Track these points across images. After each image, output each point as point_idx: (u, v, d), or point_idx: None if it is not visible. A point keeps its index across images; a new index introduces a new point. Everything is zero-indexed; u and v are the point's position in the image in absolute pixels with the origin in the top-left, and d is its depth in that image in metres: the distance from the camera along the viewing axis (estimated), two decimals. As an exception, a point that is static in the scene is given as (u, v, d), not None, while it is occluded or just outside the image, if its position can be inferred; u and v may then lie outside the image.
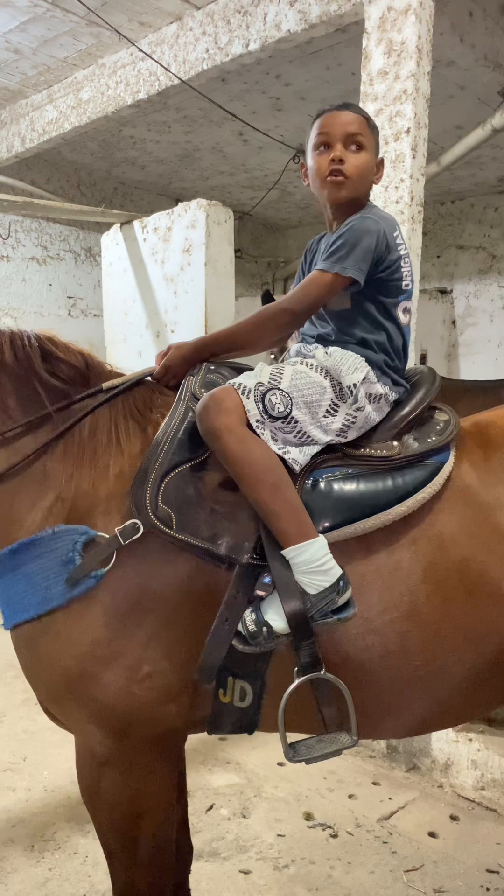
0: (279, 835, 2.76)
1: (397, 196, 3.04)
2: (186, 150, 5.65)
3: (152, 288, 4.13)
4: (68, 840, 2.70)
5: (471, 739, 3.05)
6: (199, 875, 2.39)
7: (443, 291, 6.87)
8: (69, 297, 6.21)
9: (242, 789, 3.08)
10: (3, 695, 4.00)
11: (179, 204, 4.03)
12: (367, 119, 1.69)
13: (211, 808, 2.93)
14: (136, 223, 4.28)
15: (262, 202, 6.69)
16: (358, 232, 1.59)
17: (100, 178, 6.37)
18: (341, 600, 1.40)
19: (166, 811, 1.60)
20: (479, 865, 2.59)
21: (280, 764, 3.27)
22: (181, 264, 3.95)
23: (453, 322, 6.83)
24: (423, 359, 6.28)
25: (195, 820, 2.79)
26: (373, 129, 1.70)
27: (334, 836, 2.76)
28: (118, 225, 4.41)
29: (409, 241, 3.07)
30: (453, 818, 2.90)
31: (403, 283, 1.67)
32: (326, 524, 1.48)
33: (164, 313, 4.09)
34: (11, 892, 2.41)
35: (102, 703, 1.48)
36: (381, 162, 1.75)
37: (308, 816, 2.89)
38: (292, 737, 1.53)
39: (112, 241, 4.45)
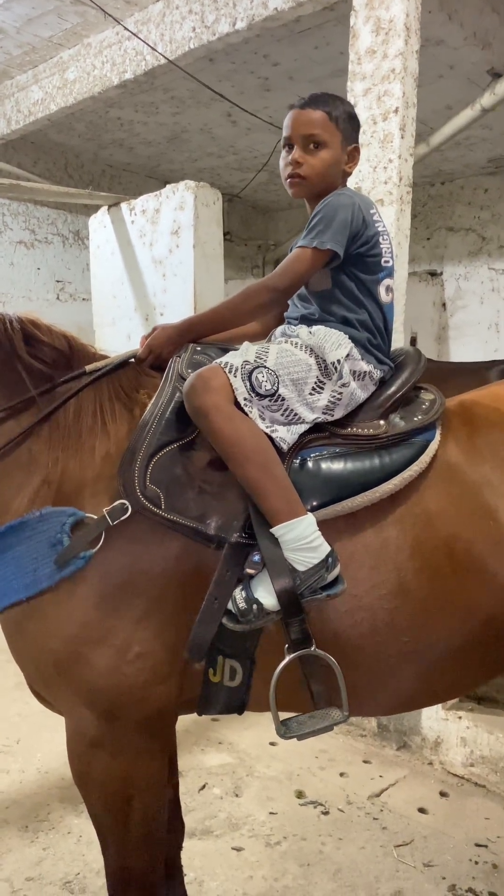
0: (271, 813, 2.79)
1: (386, 177, 3.02)
2: (174, 132, 5.60)
3: (140, 270, 4.11)
4: (62, 820, 2.73)
5: (460, 717, 3.08)
6: (192, 852, 2.42)
7: (433, 274, 6.85)
8: (58, 281, 6.17)
9: (234, 769, 3.11)
10: (-5, 679, 4.01)
11: (167, 186, 4.00)
12: (331, 112, 1.67)
13: (203, 787, 2.96)
14: (123, 205, 4.24)
15: (252, 184, 6.64)
16: (333, 207, 1.61)
17: (87, 161, 6.32)
18: (330, 577, 1.41)
19: (158, 792, 1.61)
20: (468, 840, 2.63)
21: (272, 744, 3.30)
22: (169, 246, 3.93)
23: (443, 305, 6.82)
24: (413, 341, 6.28)
25: (188, 799, 2.82)
26: (340, 120, 1.68)
27: (325, 813, 2.80)
28: (106, 207, 4.38)
29: (398, 222, 3.06)
30: (443, 794, 2.94)
31: (383, 259, 1.68)
32: (314, 503, 1.49)
33: (153, 296, 4.07)
34: (6, 872, 2.43)
35: (92, 684, 1.49)
36: (356, 150, 1.74)
37: (300, 794, 2.92)
38: (283, 715, 1.55)
39: (100, 224, 4.42)
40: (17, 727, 3.46)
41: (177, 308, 3.89)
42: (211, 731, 3.41)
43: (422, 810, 2.83)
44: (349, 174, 1.76)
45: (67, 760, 1.60)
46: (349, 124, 1.71)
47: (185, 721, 1.72)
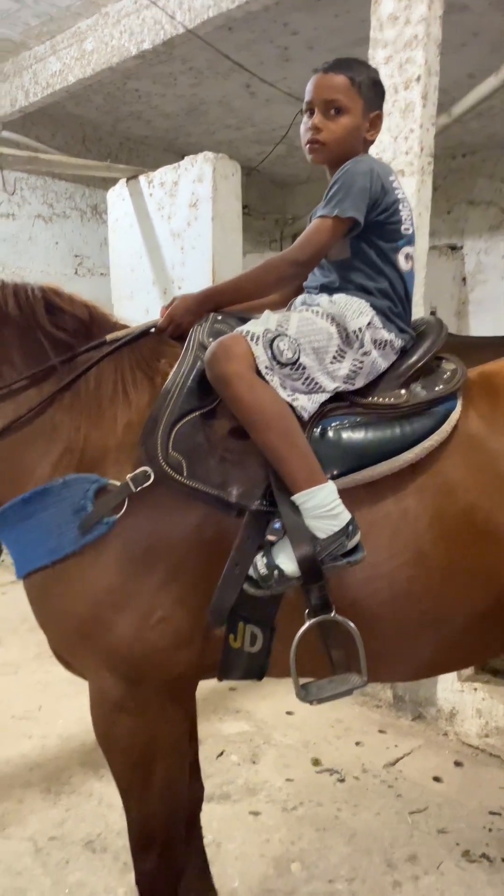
0: (288, 779, 2.84)
1: (407, 147, 2.99)
2: (192, 104, 5.55)
3: (159, 244, 4.10)
4: (83, 784, 2.79)
5: (476, 689, 3.11)
6: (211, 816, 2.47)
7: (453, 248, 6.77)
8: (76, 256, 6.16)
9: (252, 737, 3.16)
10: (17, 647, 4.10)
11: (186, 158, 3.98)
12: (354, 78, 1.65)
13: (221, 754, 3.01)
14: (142, 178, 4.23)
15: (270, 157, 6.58)
16: (352, 174, 1.59)
17: (105, 134, 6.28)
18: (350, 544, 1.43)
19: (179, 753, 1.65)
20: (482, 808, 2.67)
21: (288, 713, 3.35)
22: (188, 219, 3.91)
23: (463, 279, 6.75)
24: (432, 315, 6.22)
25: (206, 766, 2.86)
26: (363, 86, 1.66)
27: (341, 780, 2.84)
28: (124, 180, 4.36)
29: (419, 193, 3.03)
30: (457, 764, 2.97)
31: (403, 226, 1.67)
32: (335, 471, 1.49)
33: (171, 269, 4.06)
34: (30, 831, 2.50)
35: (115, 648, 1.52)
36: (378, 117, 1.71)
37: (316, 762, 2.97)
38: (303, 681, 1.57)
39: (118, 197, 4.40)
40: (39, 695, 3.53)
41: (195, 281, 3.88)
42: (228, 701, 3.46)
43: (436, 779, 2.86)
44: (371, 142, 1.74)
45: (88, 727, 1.63)
46: (372, 91, 1.69)
47: (202, 690, 1.75)
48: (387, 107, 2.94)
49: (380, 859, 2.39)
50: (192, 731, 1.93)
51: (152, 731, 1.57)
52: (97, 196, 6.19)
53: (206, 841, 2.15)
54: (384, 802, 2.71)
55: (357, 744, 3.12)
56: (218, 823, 2.53)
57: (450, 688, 3.18)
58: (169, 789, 1.63)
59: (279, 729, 3.23)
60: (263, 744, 3.11)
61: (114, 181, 4.54)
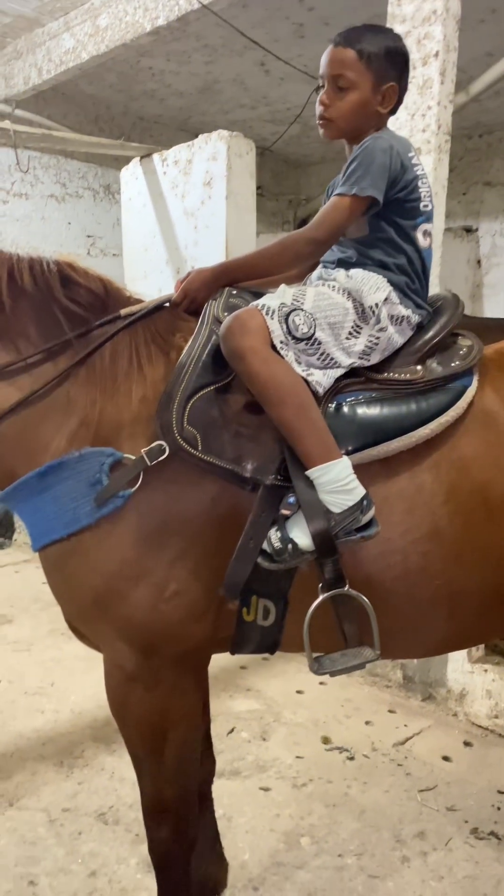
0: (298, 757, 2.87)
1: (424, 124, 2.95)
2: (206, 82, 5.49)
3: (172, 223, 4.08)
4: (95, 758, 2.82)
5: (486, 670, 3.12)
6: (221, 791, 2.49)
7: (468, 230, 6.70)
8: (88, 236, 6.15)
9: (262, 715, 3.19)
10: (30, 626, 4.14)
11: (200, 136, 3.95)
12: (363, 50, 1.60)
13: (232, 731, 3.04)
14: (155, 156, 4.20)
15: (284, 137, 6.51)
16: (371, 151, 1.57)
17: (118, 113, 6.23)
18: (365, 519, 1.43)
19: (192, 725, 1.67)
20: (491, 787, 2.68)
21: (299, 692, 3.37)
22: (202, 198, 3.89)
23: (478, 262, 6.68)
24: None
25: (216, 742, 2.86)
26: (373, 58, 1.61)
27: (351, 758, 2.86)
28: (138, 158, 4.34)
29: (436, 171, 3.00)
30: (467, 744, 2.99)
31: (422, 203, 1.65)
32: (350, 447, 1.49)
33: (185, 249, 4.05)
34: (44, 803, 2.54)
35: (130, 620, 1.53)
36: (391, 89, 1.66)
37: (325, 740, 2.99)
38: (316, 655, 1.58)
39: (132, 176, 4.38)
40: (52, 671, 3.57)
41: (208, 261, 3.83)
42: (239, 679, 3.49)
43: (446, 758, 2.88)
44: (385, 115, 1.70)
45: (100, 702, 1.65)
46: (385, 62, 1.63)
47: (213, 668, 1.76)
48: (404, 83, 2.92)
49: (389, 835, 2.41)
50: (204, 705, 1.95)
51: (166, 702, 1.59)
52: (110, 176, 6.16)
53: (216, 815, 2.18)
54: (393, 780, 2.73)
55: (367, 723, 3.14)
56: (228, 798, 2.56)
57: (460, 669, 3.19)
58: (182, 760, 1.65)
59: (289, 707, 3.25)
60: (273, 722, 3.13)
61: (127, 160, 4.51)
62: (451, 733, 3.07)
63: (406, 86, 1.71)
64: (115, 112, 6.20)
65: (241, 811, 2.52)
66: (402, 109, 2.92)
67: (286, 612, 1.56)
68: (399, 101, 1.70)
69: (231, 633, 1.61)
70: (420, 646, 1.72)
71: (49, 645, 3.87)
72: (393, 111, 1.71)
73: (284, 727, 3.09)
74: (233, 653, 1.66)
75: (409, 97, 2.93)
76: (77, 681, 3.42)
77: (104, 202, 6.24)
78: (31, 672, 3.57)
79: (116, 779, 2.67)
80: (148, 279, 4.32)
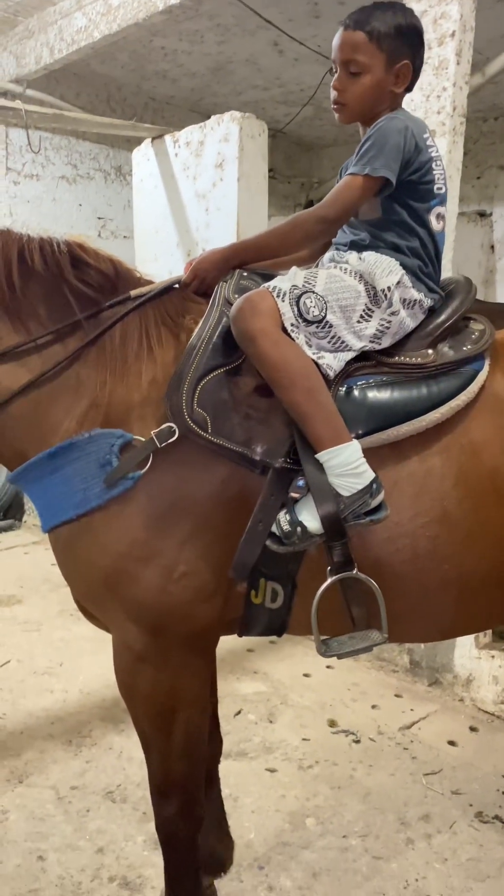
0: (304, 739, 2.88)
1: (439, 106, 2.92)
2: (219, 63, 5.44)
3: (184, 205, 4.06)
4: (104, 737, 2.85)
5: (493, 656, 3.12)
6: (228, 772, 2.51)
7: (482, 214, 6.63)
8: (99, 218, 6.12)
9: (269, 697, 3.21)
10: (39, 606, 4.17)
11: (212, 117, 3.91)
12: (373, 31, 1.57)
13: (239, 713, 3.06)
14: (167, 138, 4.17)
15: (297, 119, 6.45)
16: (385, 132, 1.55)
17: (130, 93, 6.19)
18: (374, 502, 1.43)
19: (200, 706, 1.68)
20: (496, 771, 2.69)
21: (305, 675, 3.39)
22: (213, 180, 3.87)
23: (492, 247, 6.61)
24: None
25: (223, 724, 2.89)
26: (384, 38, 1.58)
27: (357, 741, 2.88)
28: (149, 140, 4.31)
29: (450, 154, 2.97)
30: (473, 729, 3.00)
31: (435, 186, 1.63)
32: (360, 430, 1.49)
33: (196, 231, 4.03)
34: (52, 780, 2.57)
35: (139, 601, 1.54)
36: (405, 67, 1.63)
37: (332, 723, 3.00)
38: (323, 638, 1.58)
39: (143, 157, 4.36)
40: (61, 651, 3.60)
41: (219, 243, 3.81)
42: (246, 662, 3.51)
43: (451, 743, 2.89)
44: (400, 94, 1.68)
45: (109, 683, 1.66)
46: (398, 40, 1.60)
47: (220, 650, 1.77)
48: (419, 64, 2.88)
49: (393, 817, 2.43)
50: (212, 686, 1.96)
51: (174, 681, 1.60)
52: (121, 157, 6.13)
53: (223, 794, 2.20)
54: (399, 764, 2.74)
55: (373, 707, 3.15)
56: (235, 779, 2.58)
57: (467, 654, 3.20)
58: (189, 739, 1.66)
59: (296, 690, 3.27)
60: (280, 704, 3.15)
61: (138, 142, 4.48)
62: (458, 718, 3.08)
63: (422, 62, 1.68)
64: (126, 92, 6.16)
65: (247, 791, 2.54)
66: (416, 90, 2.89)
67: (294, 594, 1.57)
68: (415, 78, 1.68)
69: (239, 615, 1.61)
70: (427, 630, 1.72)
71: (58, 626, 3.90)
72: (408, 89, 1.69)
73: (291, 710, 3.11)
74: (240, 635, 1.67)
75: (425, 78, 2.89)
76: (86, 661, 3.45)
77: (115, 184, 6.21)
78: (41, 652, 3.60)
79: (124, 758, 2.70)
80: (158, 262, 4.30)
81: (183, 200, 4.09)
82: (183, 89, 6.10)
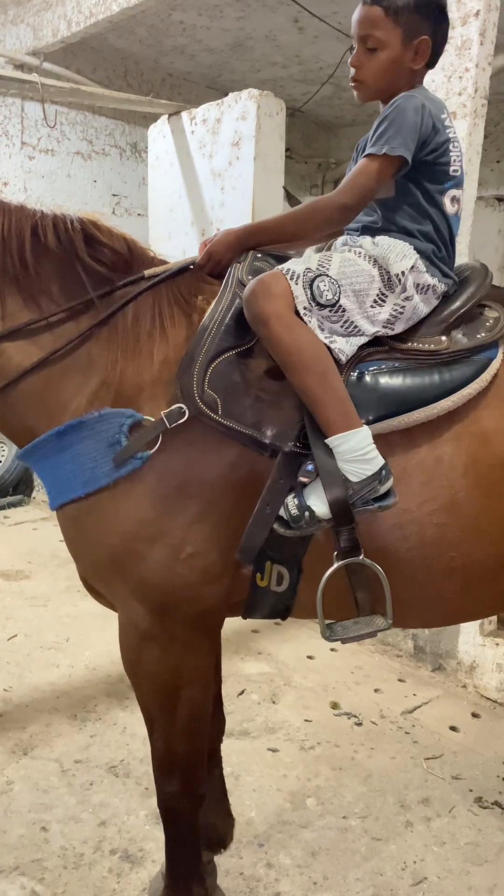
0: (306, 720, 2.91)
1: (460, 87, 2.88)
2: (238, 39, 5.37)
3: (199, 183, 4.02)
4: (108, 713, 2.88)
5: (497, 644, 3.13)
6: (230, 751, 2.54)
7: (500, 199, 6.54)
8: (114, 195, 6.09)
9: (272, 678, 3.23)
10: (47, 582, 4.20)
11: (230, 94, 3.87)
12: (390, 6, 1.54)
13: (242, 693, 3.08)
14: (184, 114, 4.13)
15: (315, 98, 6.37)
16: (402, 110, 1.53)
17: (147, 69, 6.12)
18: (383, 489, 1.42)
19: (204, 685, 1.69)
20: (497, 758, 2.71)
21: (309, 657, 3.41)
22: (229, 158, 3.83)
23: (509, 232, 6.53)
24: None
25: (227, 703, 2.92)
26: (401, 13, 1.55)
27: (359, 724, 2.90)
28: (166, 116, 4.27)
29: (471, 137, 2.93)
30: (475, 715, 3.01)
31: (451, 168, 1.61)
32: (370, 416, 1.48)
33: (211, 210, 4.00)
34: (56, 753, 2.60)
35: (146, 580, 1.54)
36: (423, 42, 1.59)
37: (334, 705, 3.03)
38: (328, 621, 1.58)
39: (159, 134, 4.32)
40: (68, 627, 3.63)
41: (234, 223, 3.78)
42: (251, 642, 3.53)
43: (453, 728, 2.91)
44: (420, 70, 1.64)
45: (114, 659, 1.67)
46: (416, 15, 1.57)
47: (225, 630, 1.78)
48: (441, 43, 2.83)
49: (393, 800, 2.45)
50: (216, 666, 1.98)
51: (178, 661, 1.61)
52: (137, 133, 6.08)
53: (225, 773, 2.22)
54: (400, 747, 2.76)
55: (376, 690, 3.17)
56: (237, 757, 2.60)
57: (471, 641, 3.20)
58: (193, 718, 1.68)
59: (300, 672, 3.29)
60: (284, 685, 3.17)
61: (154, 118, 4.44)
62: (460, 704, 3.10)
63: (444, 38, 1.65)
64: (144, 67, 6.09)
65: (248, 770, 2.57)
66: (438, 71, 2.86)
67: (300, 578, 1.57)
68: (436, 55, 1.64)
69: (244, 597, 1.62)
70: (432, 616, 1.72)
71: (66, 601, 3.93)
72: (430, 65, 1.66)
73: (294, 691, 3.13)
74: (245, 617, 1.68)
75: (447, 58, 2.85)
76: (92, 637, 3.48)
77: (131, 160, 6.17)
78: (48, 627, 3.64)
79: (128, 734, 2.73)
80: (172, 240, 4.28)
81: (198, 179, 4.06)
82: (201, 65, 6.03)
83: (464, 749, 2.76)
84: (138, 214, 6.00)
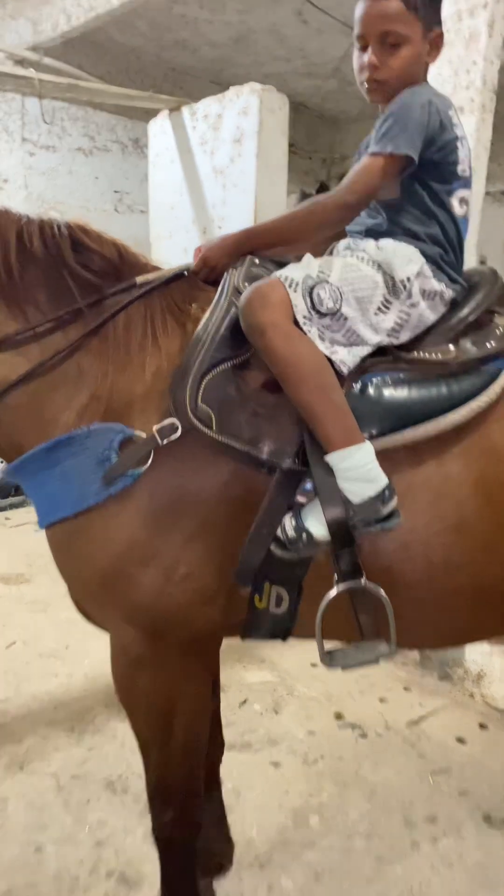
0: (309, 732, 2.84)
1: (468, 81, 2.79)
2: (241, 32, 5.28)
3: (200, 180, 3.94)
4: (107, 724, 2.82)
5: (506, 653, 3.05)
6: (231, 764, 2.47)
7: (508, 194, 6.45)
8: (115, 192, 6.02)
9: (275, 687, 3.16)
10: (46, 586, 4.14)
11: (231, 88, 3.78)
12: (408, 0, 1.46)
13: (244, 702, 3.01)
14: (185, 110, 4.05)
15: (320, 92, 6.28)
16: (408, 106, 1.45)
17: (149, 63, 6.03)
18: (386, 510, 1.35)
19: (200, 711, 1.62)
20: (505, 772, 2.64)
21: (313, 665, 3.33)
22: (231, 155, 3.75)
23: (517, 228, 6.44)
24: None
25: (228, 713, 2.88)
26: (419, 4, 1.47)
27: (363, 736, 2.83)
28: (166, 112, 4.18)
29: (478, 132, 2.84)
30: (482, 726, 2.93)
31: (459, 167, 1.53)
32: (374, 431, 1.41)
33: (212, 208, 3.91)
34: (53, 768, 2.54)
35: (138, 603, 1.47)
36: (439, 36, 1.53)
37: (338, 716, 2.96)
38: (328, 646, 1.51)
39: (160, 130, 4.24)
40: (67, 633, 3.57)
41: (236, 221, 3.74)
42: (253, 649, 3.46)
43: (460, 740, 2.83)
44: (431, 63, 1.57)
45: (113, 674, 1.62)
46: (430, 5, 1.50)
47: (227, 638, 1.71)
48: (449, 36, 2.75)
49: (399, 818, 2.38)
50: (214, 687, 1.91)
51: (173, 687, 1.55)
52: (138, 129, 6.00)
53: (225, 788, 2.16)
54: (406, 761, 2.69)
55: (381, 700, 3.10)
56: (238, 772, 2.53)
57: (479, 650, 3.13)
58: (189, 746, 1.61)
59: (303, 680, 3.22)
60: (286, 694, 3.11)
61: (156, 113, 4.36)
62: (467, 714, 3.02)
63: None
64: (145, 62, 6.00)
65: (250, 786, 2.50)
66: (445, 64, 2.78)
67: (300, 599, 1.50)
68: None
69: (242, 618, 1.55)
70: (437, 637, 1.65)
71: (65, 606, 3.78)
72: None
73: (297, 700, 3.07)
74: (243, 638, 1.61)
75: (454, 51, 2.76)
76: (92, 644, 3.40)
77: (133, 156, 6.09)
78: (47, 633, 3.58)
79: (127, 748, 2.66)
80: (174, 238, 4.20)
81: (200, 176, 3.98)
82: (203, 60, 5.94)
83: (471, 762, 2.69)
84: (140, 211, 5.93)
